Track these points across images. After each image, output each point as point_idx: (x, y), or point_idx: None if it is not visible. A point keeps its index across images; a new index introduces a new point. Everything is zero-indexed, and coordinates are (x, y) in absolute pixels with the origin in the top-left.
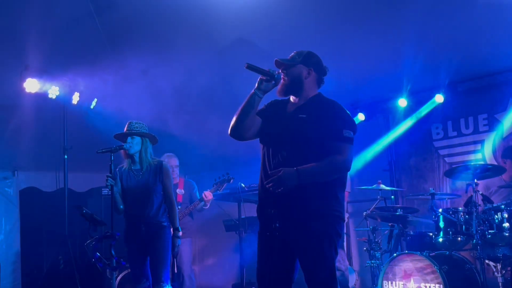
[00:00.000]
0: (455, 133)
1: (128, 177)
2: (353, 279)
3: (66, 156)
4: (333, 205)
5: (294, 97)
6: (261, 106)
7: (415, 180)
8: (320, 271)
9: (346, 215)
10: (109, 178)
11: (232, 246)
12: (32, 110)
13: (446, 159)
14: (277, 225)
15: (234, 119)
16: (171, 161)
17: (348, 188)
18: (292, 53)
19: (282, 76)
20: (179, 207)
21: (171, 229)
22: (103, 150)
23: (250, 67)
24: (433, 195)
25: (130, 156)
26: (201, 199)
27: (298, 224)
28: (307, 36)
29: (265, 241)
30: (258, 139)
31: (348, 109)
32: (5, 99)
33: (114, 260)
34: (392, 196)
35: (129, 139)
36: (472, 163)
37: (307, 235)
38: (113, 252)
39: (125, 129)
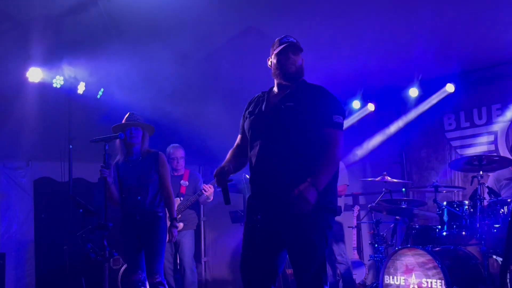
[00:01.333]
0: (467, 124)
1: (124, 167)
2: (363, 273)
3: (71, 146)
4: (323, 196)
5: (280, 85)
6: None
7: (425, 172)
8: (310, 264)
9: (357, 208)
10: (103, 169)
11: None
12: (39, 99)
13: (458, 150)
14: (259, 217)
15: None
16: (177, 152)
17: (346, 181)
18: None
19: (295, 60)
20: (182, 198)
21: (167, 220)
22: (96, 140)
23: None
24: (436, 187)
25: (128, 146)
26: (200, 193)
27: (285, 216)
28: (318, 26)
29: (248, 232)
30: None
31: (358, 98)
32: (14, 89)
33: (107, 251)
34: (403, 189)
35: (133, 129)
36: (476, 154)
37: (297, 227)
38: (105, 242)
39: (124, 120)
